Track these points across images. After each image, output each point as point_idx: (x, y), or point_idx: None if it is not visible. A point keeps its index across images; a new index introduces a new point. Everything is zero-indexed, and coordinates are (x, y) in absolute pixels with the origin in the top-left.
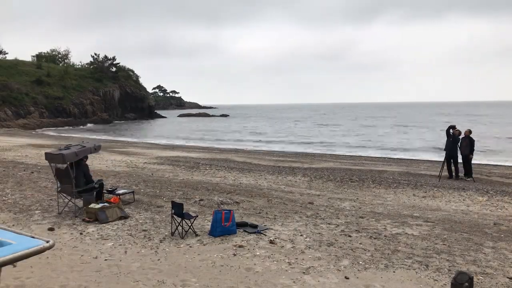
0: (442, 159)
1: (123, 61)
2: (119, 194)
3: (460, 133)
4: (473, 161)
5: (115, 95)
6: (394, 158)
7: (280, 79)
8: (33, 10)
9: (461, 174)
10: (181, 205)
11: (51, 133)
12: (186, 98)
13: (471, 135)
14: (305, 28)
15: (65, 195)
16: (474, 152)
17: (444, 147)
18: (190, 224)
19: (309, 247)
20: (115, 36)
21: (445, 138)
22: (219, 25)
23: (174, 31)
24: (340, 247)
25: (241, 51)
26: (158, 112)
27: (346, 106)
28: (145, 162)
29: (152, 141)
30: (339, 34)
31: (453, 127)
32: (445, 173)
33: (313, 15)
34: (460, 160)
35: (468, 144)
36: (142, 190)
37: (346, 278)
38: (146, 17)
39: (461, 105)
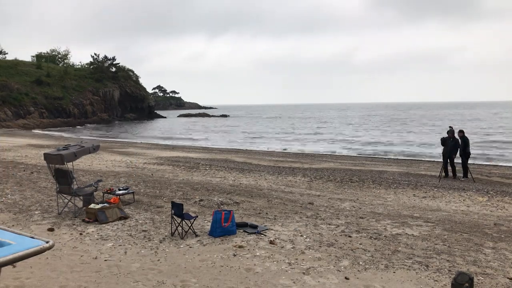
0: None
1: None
2: (119, 195)
3: (454, 133)
4: (474, 162)
5: (115, 95)
6: (394, 159)
7: None
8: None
9: (460, 174)
10: (181, 205)
11: (51, 133)
12: (186, 98)
13: (464, 135)
14: None
15: (64, 195)
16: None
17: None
18: (190, 225)
19: (309, 248)
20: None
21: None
22: None
23: None
24: (340, 248)
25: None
26: (158, 112)
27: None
28: (145, 163)
29: (153, 141)
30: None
31: (450, 128)
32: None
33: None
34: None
35: (461, 144)
36: (142, 191)
37: (346, 278)
38: None
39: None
